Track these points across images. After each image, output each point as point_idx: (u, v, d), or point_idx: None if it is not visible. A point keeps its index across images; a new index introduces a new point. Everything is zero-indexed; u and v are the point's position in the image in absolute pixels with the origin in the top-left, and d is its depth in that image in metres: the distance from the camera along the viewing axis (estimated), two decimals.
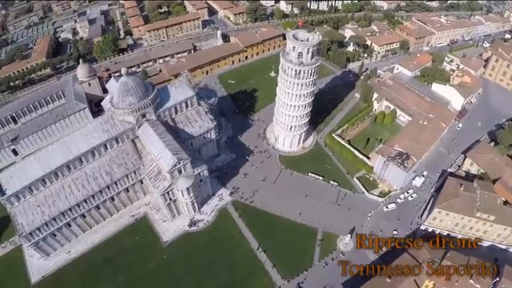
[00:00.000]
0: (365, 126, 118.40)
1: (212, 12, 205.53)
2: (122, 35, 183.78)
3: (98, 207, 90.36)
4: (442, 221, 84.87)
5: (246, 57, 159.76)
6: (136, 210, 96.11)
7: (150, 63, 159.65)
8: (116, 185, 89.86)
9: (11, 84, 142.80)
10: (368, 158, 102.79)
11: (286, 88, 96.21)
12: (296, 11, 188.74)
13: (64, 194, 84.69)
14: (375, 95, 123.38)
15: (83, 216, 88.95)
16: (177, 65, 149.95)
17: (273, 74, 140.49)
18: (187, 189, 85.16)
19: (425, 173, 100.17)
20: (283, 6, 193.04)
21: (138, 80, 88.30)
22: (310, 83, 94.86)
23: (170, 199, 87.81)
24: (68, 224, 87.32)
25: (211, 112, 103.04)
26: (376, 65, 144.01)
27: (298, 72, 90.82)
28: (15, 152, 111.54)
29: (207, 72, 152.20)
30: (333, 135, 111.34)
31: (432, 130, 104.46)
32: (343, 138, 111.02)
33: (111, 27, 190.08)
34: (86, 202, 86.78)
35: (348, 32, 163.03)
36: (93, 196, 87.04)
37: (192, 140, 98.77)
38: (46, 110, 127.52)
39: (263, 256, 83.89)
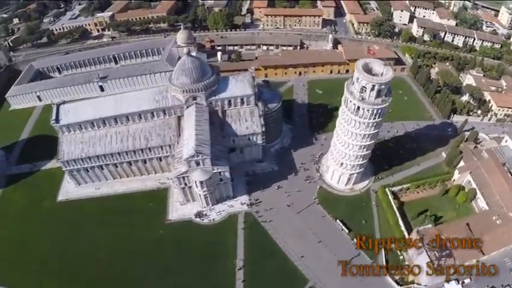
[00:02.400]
0: (431, 194, 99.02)
1: (340, 13, 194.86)
2: (244, 11, 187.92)
3: (130, 163, 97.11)
4: None
5: (347, 70, 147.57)
6: (163, 180, 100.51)
7: (254, 47, 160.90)
8: (150, 151, 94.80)
9: (130, 28, 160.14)
10: (410, 232, 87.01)
11: (344, 121, 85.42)
12: (426, 37, 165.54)
13: (104, 141, 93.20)
14: (461, 163, 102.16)
15: (115, 165, 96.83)
16: (272, 58, 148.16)
17: None
18: (201, 182, 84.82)
19: (467, 281, 79.36)
20: (414, 28, 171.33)
21: (197, 63, 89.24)
22: (372, 124, 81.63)
23: (185, 184, 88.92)
24: (101, 167, 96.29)
25: (265, 117, 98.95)
26: (483, 128, 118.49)
27: (357, 108, 78.94)
28: (101, 89, 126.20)
29: (300, 74, 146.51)
30: (387, 189, 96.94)
31: (501, 235, 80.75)
32: (396, 198, 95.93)
33: (237, 1, 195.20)
34: (120, 155, 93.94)
35: (468, 79, 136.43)
36: (126, 153, 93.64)
37: (235, 138, 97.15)
38: (145, 60, 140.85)
39: (240, 280, 79.24)
